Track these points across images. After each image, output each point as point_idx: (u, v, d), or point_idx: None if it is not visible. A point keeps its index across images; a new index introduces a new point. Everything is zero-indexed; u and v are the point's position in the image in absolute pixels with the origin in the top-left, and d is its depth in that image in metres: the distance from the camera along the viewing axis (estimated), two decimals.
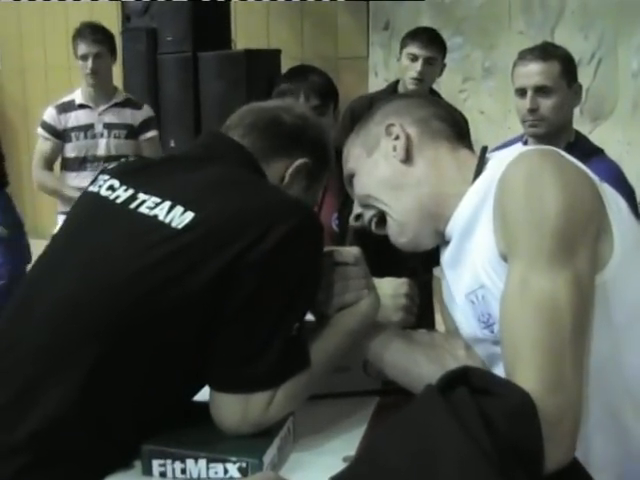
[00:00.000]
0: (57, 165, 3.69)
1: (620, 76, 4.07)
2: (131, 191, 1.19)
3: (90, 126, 3.58)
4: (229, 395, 1.11)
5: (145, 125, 3.68)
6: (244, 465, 1.07)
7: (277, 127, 1.30)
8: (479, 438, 0.81)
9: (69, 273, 1.14)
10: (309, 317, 1.25)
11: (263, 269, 1.08)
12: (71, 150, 3.59)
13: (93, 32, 3.53)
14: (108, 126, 3.59)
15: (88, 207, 1.26)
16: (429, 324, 2.19)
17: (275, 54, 4.59)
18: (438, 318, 1.94)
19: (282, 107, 1.36)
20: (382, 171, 1.29)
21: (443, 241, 1.27)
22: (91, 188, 1.26)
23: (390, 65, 4.62)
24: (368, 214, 1.33)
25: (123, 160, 1.74)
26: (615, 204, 1.09)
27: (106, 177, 1.25)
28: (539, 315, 0.96)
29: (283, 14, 5.07)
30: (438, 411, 0.84)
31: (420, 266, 1.80)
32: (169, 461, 1.09)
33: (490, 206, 1.11)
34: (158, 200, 1.15)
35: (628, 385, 1.07)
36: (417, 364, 1.28)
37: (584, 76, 3.25)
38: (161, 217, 1.12)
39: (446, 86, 4.01)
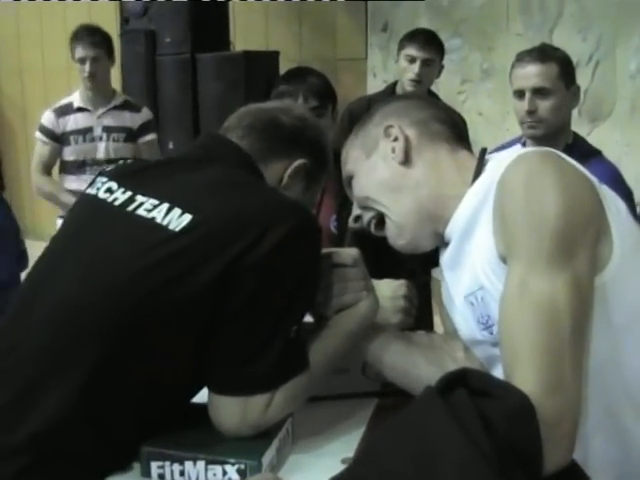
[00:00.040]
0: (57, 166, 3.67)
1: (618, 77, 4.07)
2: (129, 193, 1.19)
3: (89, 129, 3.55)
4: (228, 397, 1.11)
5: (144, 128, 3.65)
6: (243, 467, 1.07)
7: (275, 128, 1.30)
8: (478, 440, 0.81)
9: (69, 275, 1.14)
10: (308, 318, 1.25)
11: (262, 270, 1.08)
12: (70, 153, 3.56)
13: (90, 35, 3.49)
14: (107, 129, 3.57)
15: (86, 209, 1.26)
16: (428, 326, 2.19)
17: (273, 55, 4.59)
18: (437, 320, 1.95)
19: (280, 108, 1.36)
20: (381, 173, 1.28)
21: (442, 243, 1.27)
22: (89, 190, 1.26)
23: (388, 66, 4.62)
24: (367, 216, 1.33)
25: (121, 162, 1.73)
26: (614, 206, 1.09)
27: (104, 179, 1.25)
28: (538, 317, 0.96)
29: (281, 16, 5.07)
30: (437, 413, 0.84)
31: (419, 268, 1.81)
32: (168, 463, 1.09)
33: (490, 208, 1.11)
34: (156, 202, 1.15)
35: (627, 386, 1.07)
36: (416, 366, 1.28)
37: (582, 78, 3.26)
38: (159, 219, 1.12)
39: (444, 87, 4.02)
